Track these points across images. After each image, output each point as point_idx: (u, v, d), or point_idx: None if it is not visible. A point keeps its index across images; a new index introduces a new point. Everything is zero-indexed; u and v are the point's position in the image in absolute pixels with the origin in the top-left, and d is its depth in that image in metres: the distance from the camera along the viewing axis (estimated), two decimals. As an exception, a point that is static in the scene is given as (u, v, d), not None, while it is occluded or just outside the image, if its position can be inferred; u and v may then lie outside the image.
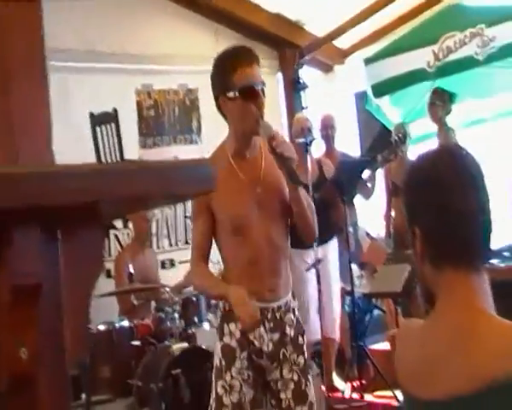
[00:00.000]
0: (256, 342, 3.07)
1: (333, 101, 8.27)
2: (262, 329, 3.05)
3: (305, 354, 3.16)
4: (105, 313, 5.70)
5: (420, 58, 6.13)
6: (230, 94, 3.04)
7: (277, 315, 3.09)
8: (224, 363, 3.06)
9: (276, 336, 3.09)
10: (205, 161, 1.17)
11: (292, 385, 3.10)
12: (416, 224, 1.70)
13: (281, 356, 3.10)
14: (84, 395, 4.88)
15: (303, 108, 8.15)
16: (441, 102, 6.21)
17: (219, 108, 3.17)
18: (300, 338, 3.16)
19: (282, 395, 3.11)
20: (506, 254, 6.62)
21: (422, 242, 1.68)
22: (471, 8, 6.38)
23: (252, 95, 3.03)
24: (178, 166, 1.16)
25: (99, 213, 1.08)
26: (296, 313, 3.18)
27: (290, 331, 3.12)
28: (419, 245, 1.69)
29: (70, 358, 1.11)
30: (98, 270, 1.17)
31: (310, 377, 3.16)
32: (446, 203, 1.62)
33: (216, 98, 3.17)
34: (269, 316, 3.07)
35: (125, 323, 5.41)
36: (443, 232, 1.64)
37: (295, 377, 3.10)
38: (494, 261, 6.54)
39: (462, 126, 7.20)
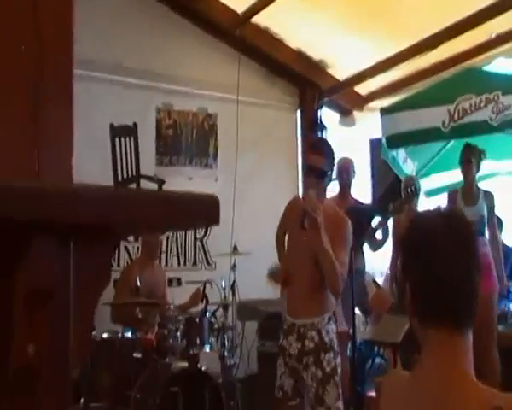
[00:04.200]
0: (287, 347, 4.16)
1: (349, 145, 8.19)
2: (291, 337, 4.14)
3: (326, 368, 4.03)
4: (109, 322, 5.80)
5: (435, 116, 6.13)
6: None
7: (301, 330, 4.11)
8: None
9: (299, 345, 4.10)
10: (212, 197, 1.25)
11: (312, 389, 4.05)
12: (407, 280, 1.77)
13: (304, 362, 4.08)
14: (82, 400, 4.96)
15: (320, 149, 8.19)
16: (475, 158, 6.23)
17: None
18: (322, 354, 4.05)
19: (309, 394, 4.07)
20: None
21: (411, 298, 1.75)
22: (489, 74, 6.50)
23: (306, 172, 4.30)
24: (188, 199, 1.25)
25: (110, 232, 1.20)
26: (323, 333, 4.08)
27: (309, 344, 4.07)
28: (409, 300, 1.76)
29: (73, 359, 1.22)
30: (105, 282, 1.29)
31: (329, 387, 4.02)
32: (434, 267, 1.69)
33: None
34: (295, 329, 4.14)
35: (129, 334, 5.40)
36: (429, 293, 1.71)
37: (314, 385, 4.03)
38: (499, 327, 6.51)
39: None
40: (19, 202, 1.03)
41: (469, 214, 5.80)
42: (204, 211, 1.23)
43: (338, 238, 4.06)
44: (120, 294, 5.90)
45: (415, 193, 6.32)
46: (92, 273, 1.23)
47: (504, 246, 8.61)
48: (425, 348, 1.72)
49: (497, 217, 6.63)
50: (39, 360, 1.14)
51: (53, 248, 1.13)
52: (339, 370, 4.10)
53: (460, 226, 1.75)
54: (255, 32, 7.79)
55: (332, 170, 4.20)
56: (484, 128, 5.90)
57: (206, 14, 7.57)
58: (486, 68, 6.78)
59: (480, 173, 6.49)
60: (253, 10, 7.35)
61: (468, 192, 6.31)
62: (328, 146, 4.44)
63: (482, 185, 6.52)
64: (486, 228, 6.24)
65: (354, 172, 6.75)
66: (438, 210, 1.81)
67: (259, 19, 7.57)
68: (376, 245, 6.63)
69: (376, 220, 6.49)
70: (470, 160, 6.22)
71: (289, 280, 4.31)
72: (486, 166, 6.96)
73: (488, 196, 6.27)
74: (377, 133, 7.10)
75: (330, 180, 4.35)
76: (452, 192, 6.49)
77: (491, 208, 6.24)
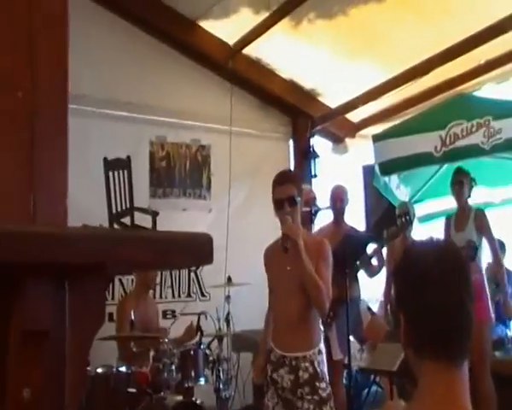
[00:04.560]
0: (279, 380, 4.10)
1: (342, 172, 8.29)
2: (282, 370, 4.11)
3: (322, 394, 4.03)
4: (104, 357, 5.72)
5: (427, 142, 6.20)
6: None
7: (293, 363, 4.07)
8: (266, 388, 4.22)
9: (292, 377, 4.06)
10: (206, 236, 1.25)
11: None
12: (402, 310, 1.77)
13: (298, 394, 4.04)
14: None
15: (313, 177, 8.26)
16: (467, 181, 6.25)
17: None
18: (317, 383, 4.03)
19: None
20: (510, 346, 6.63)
21: (405, 328, 1.74)
22: (480, 100, 6.53)
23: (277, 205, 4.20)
24: (181, 239, 1.26)
25: (103, 271, 1.20)
26: (315, 364, 4.07)
27: (303, 375, 4.04)
28: (403, 331, 1.75)
29: (68, 399, 1.21)
30: (100, 321, 1.28)
31: (325, 408, 4.02)
32: (428, 297, 1.68)
33: None
34: (287, 362, 4.10)
35: (123, 369, 5.30)
36: (423, 323, 1.70)
37: (311, 407, 4.01)
38: (497, 353, 6.53)
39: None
40: (12, 246, 1.03)
41: (458, 239, 5.81)
42: (197, 251, 1.23)
43: (320, 260, 4.16)
44: (120, 330, 5.86)
45: (409, 221, 6.34)
46: (88, 313, 1.23)
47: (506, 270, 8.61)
48: (421, 380, 1.70)
49: (500, 241, 6.63)
50: (35, 404, 1.13)
51: (47, 289, 1.13)
52: (332, 399, 4.11)
53: (451, 256, 1.76)
54: (247, 64, 7.86)
55: (300, 194, 4.30)
56: (475, 152, 5.94)
57: (198, 46, 7.63)
58: (477, 94, 6.85)
59: (474, 203, 6.49)
60: (245, 42, 7.43)
61: (460, 217, 6.30)
62: (292, 173, 4.96)
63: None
64: (490, 252, 6.21)
65: (347, 199, 6.75)
66: (430, 241, 1.81)
67: (251, 50, 7.65)
68: (373, 272, 6.63)
69: (371, 247, 6.50)
70: (462, 181, 6.24)
71: (275, 314, 4.34)
72: (480, 194, 6.99)
73: (478, 215, 6.22)
74: (370, 160, 7.12)
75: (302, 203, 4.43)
76: (448, 219, 6.50)
77: (481, 227, 6.18)
